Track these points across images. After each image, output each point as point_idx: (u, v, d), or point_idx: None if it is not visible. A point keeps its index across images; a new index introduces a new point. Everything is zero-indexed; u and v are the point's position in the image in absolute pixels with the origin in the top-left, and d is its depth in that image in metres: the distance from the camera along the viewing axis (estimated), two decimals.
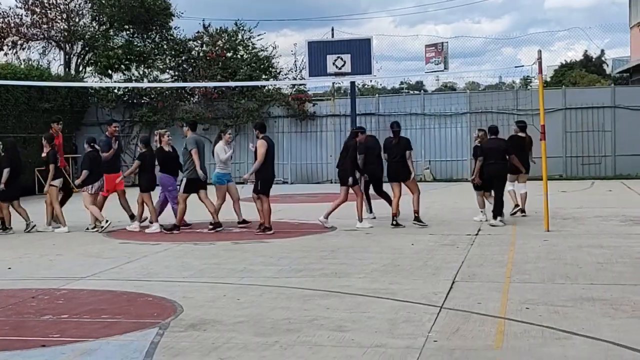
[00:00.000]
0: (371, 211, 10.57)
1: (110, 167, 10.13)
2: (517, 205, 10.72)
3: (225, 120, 18.35)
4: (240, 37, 20.05)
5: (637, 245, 9.04)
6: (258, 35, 20.17)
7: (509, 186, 10.59)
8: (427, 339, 5.05)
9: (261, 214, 9.42)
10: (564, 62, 33.32)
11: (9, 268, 8.12)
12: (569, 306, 6.07)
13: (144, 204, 9.82)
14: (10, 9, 20.74)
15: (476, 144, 10.66)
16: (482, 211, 10.21)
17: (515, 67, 24.48)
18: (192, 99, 19.53)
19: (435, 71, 19.82)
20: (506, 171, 9.92)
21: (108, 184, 10.00)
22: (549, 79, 28.20)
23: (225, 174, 10.08)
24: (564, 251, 8.90)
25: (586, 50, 33.36)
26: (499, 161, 9.81)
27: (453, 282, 7.12)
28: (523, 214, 10.70)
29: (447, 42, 19.39)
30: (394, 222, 9.77)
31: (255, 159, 9.23)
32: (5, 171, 9.60)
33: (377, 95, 20.45)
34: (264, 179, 9.31)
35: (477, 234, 10.10)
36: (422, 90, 25.55)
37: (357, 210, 9.96)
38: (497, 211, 9.62)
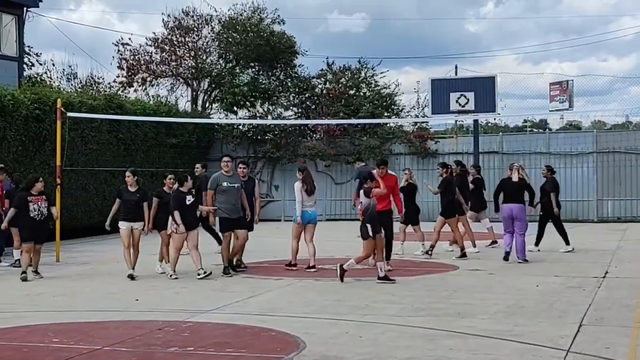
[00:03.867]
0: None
1: None
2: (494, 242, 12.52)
3: (347, 156, 19.08)
4: (363, 74, 20.92)
5: None
6: (380, 73, 21.18)
7: (487, 224, 12.81)
8: None
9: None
10: None
11: (137, 300, 8.49)
12: None
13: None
14: (140, 46, 22.59)
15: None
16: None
17: None
18: (314, 135, 20.35)
19: (559, 110, 20.09)
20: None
21: None
22: None
23: (305, 212, 10.03)
24: None
25: None
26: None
27: (580, 326, 7.03)
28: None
29: (572, 80, 19.88)
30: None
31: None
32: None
33: (500, 133, 20.89)
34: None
35: (604, 277, 10.08)
36: (546, 129, 25.95)
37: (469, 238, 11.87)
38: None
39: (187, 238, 9.93)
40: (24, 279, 9.83)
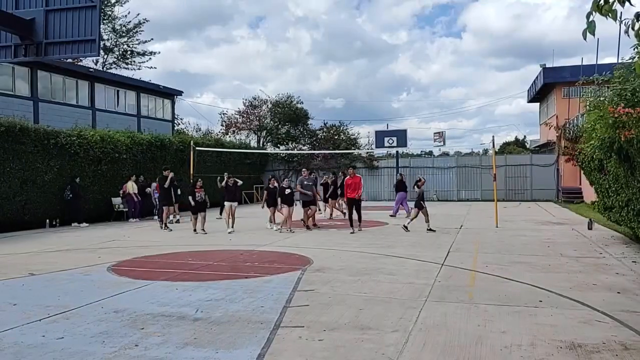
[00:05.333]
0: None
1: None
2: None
3: (333, 169, 35.62)
4: (341, 128, 35.96)
5: (542, 235, 13.62)
6: (350, 128, 36.79)
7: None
8: (435, 280, 8.10)
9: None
10: (505, 142, 55.50)
11: (230, 240, 13.48)
12: (508, 265, 9.27)
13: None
14: (232, 114, 39.00)
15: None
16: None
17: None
18: (317, 159, 35.08)
19: (438, 145, 35.20)
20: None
21: None
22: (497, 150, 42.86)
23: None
24: (506, 237, 13.22)
25: (516, 136, 56.72)
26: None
27: (448, 252, 10.93)
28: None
29: (445, 131, 35.89)
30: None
31: None
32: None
33: (409, 157, 35.92)
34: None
35: (460, 228, 15.68)
36: (431, 155, 39.33)
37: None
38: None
39: (286, 211, 15.60)
40: (196, 233, 15.57)
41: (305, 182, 16.75)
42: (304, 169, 17.34)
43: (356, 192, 15.43)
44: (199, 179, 16.38)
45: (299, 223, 16.71)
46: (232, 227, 15.88)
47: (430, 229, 15.22)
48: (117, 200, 21.71)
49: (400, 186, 20.84)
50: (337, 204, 20.01)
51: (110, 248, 13.12)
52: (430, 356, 5.07)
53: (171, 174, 17.51)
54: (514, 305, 6.89)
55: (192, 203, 15.75)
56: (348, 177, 15.90)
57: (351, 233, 14.93)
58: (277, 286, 8.13)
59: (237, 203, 16.38)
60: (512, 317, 6.37)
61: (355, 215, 15.57)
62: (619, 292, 7.63)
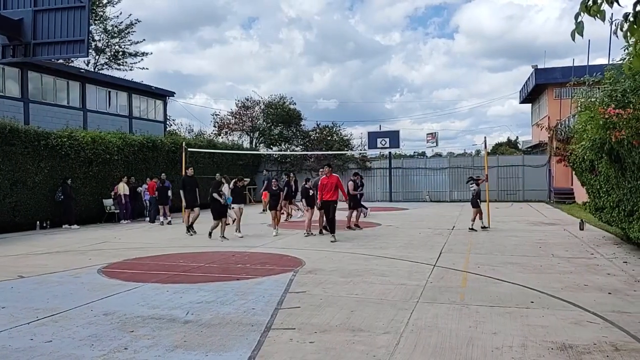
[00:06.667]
0: None
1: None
2: None
3: (305, 171, 35.51)
4: (334, 129, 35.92)
5: (534, 236, 13.63)
6: (343, 129, 37.39)
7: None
8: (427, 281, 8.05)
9: None
10: (498, 142, 56.20)
11: (222, 240, 13.59)
12: (500, 266, 9.22)
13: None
14: (225, 115, 39.17)
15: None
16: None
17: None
18: (310, 159, 35.00)
19: (431, 146, 35.28)
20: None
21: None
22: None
23: None
24: (497, 238, 13.21)
25: (508, 137, 56.46)
26: None
27: (441, 253, 10.89)
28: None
29: (437, 132, 36.39)
30: None
31: None
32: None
33: (402, 158, 35.67)
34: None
35: (452, 229, 15.41)
36: (424, 156, 39.09)
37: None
38: None
39: (309, 213, 15.11)
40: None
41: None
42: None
43: (332, 194, 13.59)
44: (223, 182, 15.48)
45: (296, 224, 16.58)
46: (240, 230, 15.09)
47: (472, 229, 15.19)
48: (108, 202, 21.59)
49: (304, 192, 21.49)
50: (290, 205, 20.11)
51: (101, 250, 13.03)
52: (421, 358, 5.04)
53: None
54: (505, 306, 6.88)
55: (222, 201, 14.62)
56: (324, 176, 13.97)
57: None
58: (268, 288, 8.09)
59: (244, 205, 15.72)
60: (504, 318, 6.36)
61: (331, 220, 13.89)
62: (610, 293, 7.64)
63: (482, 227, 15.51)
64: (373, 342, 5.48)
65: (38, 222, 18.96)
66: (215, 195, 14.50)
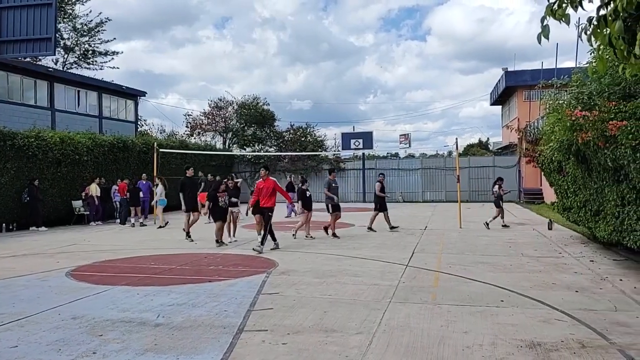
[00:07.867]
0: None
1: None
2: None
3: (300, 171, 35.43)
4: (308, 130, 35.92)
5: (504, 236, 14.14)
6: (317, 130, 37.13)
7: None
8: (399, 281, 8.10)
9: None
10: (469, 144, 56.50)
11: (196, 243, 13.45)
12: (471, 265, 9.42)
13: None
14: (197, 115, 38.76)
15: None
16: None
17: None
18: (284, 160, 34.77)
19: (404, 147, 35.84)
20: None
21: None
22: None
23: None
24: (469, 238, 13.54)
25: (480, 138, 56.20)
26: None
27: (413, 253, 11.04)
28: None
29: (410, 133, 36.18)
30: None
31: None
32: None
33: (375, 159, 36.08)
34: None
35: (424, 229, 15.62)
36: (397, 157, 39.89)
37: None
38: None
39: (305, 216, 14.21)
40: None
41: (334, 185, 14.89)
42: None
43: (267, 200, 12.22)
44: (223, 182, 14.04)
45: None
46: (234, 235, 14.22)
47: (486, 224, 16.35)
48: (77, 204, 21.19)
49: (290, 188, 21.82)
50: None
51: (70, 252, 12.78)
52: (394, 357, 5.07)
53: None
54: (476, 305, 6.97)
55: (220, 203, 13.50)
56: (260, 180, 12.67)
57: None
58: (241, 290, 8.04)
59: (238, 208, 14.54)
60: (474, 317, 6.44)
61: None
62: (577, 291, 7.80)
63: (502, 226, 16.40)
64: (346, 343, 5.49)
65: (4, 224, 18.51)
66: (217, 196, 13.50)
